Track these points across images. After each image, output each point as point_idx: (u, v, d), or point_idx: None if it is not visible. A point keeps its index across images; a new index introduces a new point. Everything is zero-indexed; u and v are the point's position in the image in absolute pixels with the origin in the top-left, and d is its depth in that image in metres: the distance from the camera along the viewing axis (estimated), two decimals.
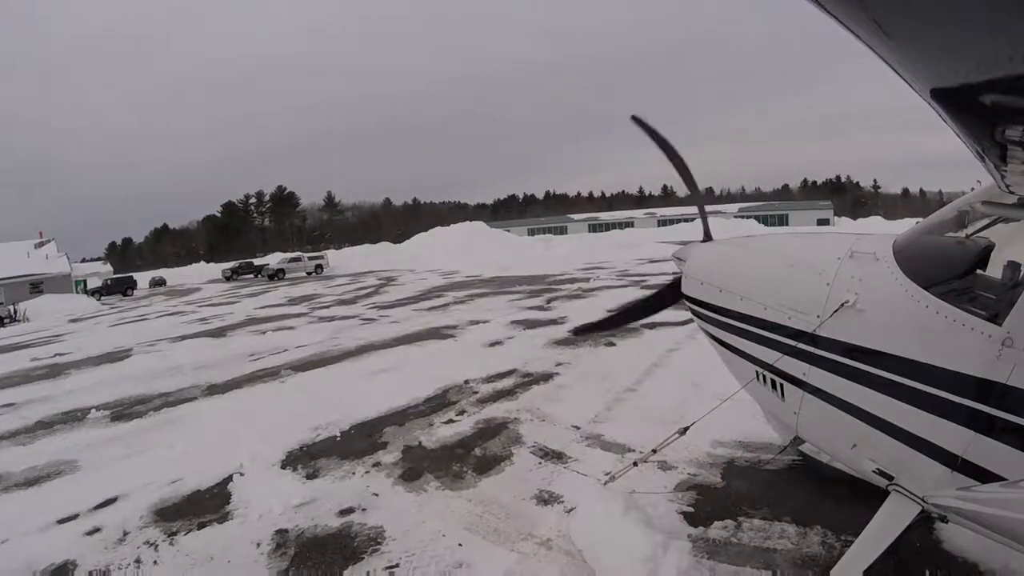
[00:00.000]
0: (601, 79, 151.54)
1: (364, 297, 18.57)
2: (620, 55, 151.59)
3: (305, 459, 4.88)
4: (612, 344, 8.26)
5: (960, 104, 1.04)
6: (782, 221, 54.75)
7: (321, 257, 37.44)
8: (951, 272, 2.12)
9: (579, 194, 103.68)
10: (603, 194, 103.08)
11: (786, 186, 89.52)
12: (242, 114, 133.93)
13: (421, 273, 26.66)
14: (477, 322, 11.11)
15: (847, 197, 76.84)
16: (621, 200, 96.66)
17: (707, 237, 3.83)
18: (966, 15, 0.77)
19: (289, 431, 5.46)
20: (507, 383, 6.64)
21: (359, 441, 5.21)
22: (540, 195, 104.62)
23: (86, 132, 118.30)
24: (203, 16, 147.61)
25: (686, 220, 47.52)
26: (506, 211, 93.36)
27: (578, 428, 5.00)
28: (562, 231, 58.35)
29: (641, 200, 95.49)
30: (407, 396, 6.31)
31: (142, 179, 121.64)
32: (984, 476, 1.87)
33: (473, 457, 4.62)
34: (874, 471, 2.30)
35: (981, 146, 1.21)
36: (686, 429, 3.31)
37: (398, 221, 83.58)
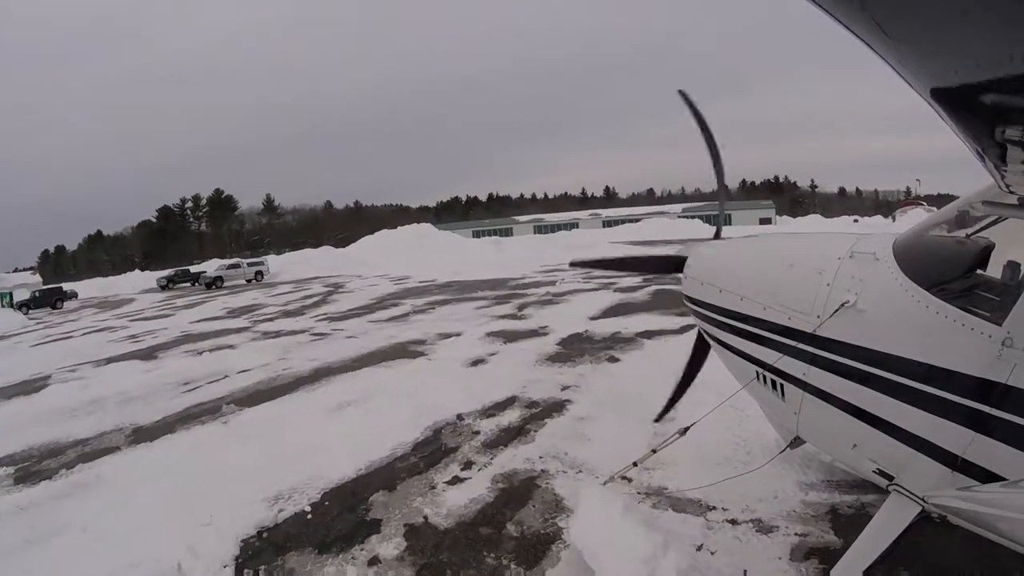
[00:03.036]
0: (545, 84, 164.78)
1: (312, 307, 18.12)
2: (565, 62, 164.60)
3: (268, 552, 3.83)
4: (616, 360, 8.04)
5: (960, 104, 1.12)
6: (726, 220, 55.43)
7: (261, 263, 37.33)
8: (951, 272, 2.28)
9: (522, 196, 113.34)
10: (546, 196, 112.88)
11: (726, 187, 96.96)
12: (179, 113, 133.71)
13: (370, 279, 26.73)
14: (448, 335, 10.83)
15: (785, 197, 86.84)
16: (564, 202, 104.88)
17: (717, 235, 4.16)
18: (966, 15, 0.82)
19: (240, 503, 4.42)
20: (512, 417, 5.96)
21: (339, 518, 4.16)
22: (483, 197, 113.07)
23: (13, 131, 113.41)
24: (132, 12, 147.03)
25: (630, 220, 54.42)
26: (449, 213, 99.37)
27: (629, 480, 4.26)
28: (507, 233, 61.92)
29: (584, 201, 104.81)
30: (389, 441, 5.44)
31: (76, 182, 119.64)
32: (984, 476, 2.00)
33: (509, 540, 3.67)
34: (874, 471, 2.48)
35: (981, 146, 1.30)
36: (686, 429, 3.64)
37: (340, 225, 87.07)
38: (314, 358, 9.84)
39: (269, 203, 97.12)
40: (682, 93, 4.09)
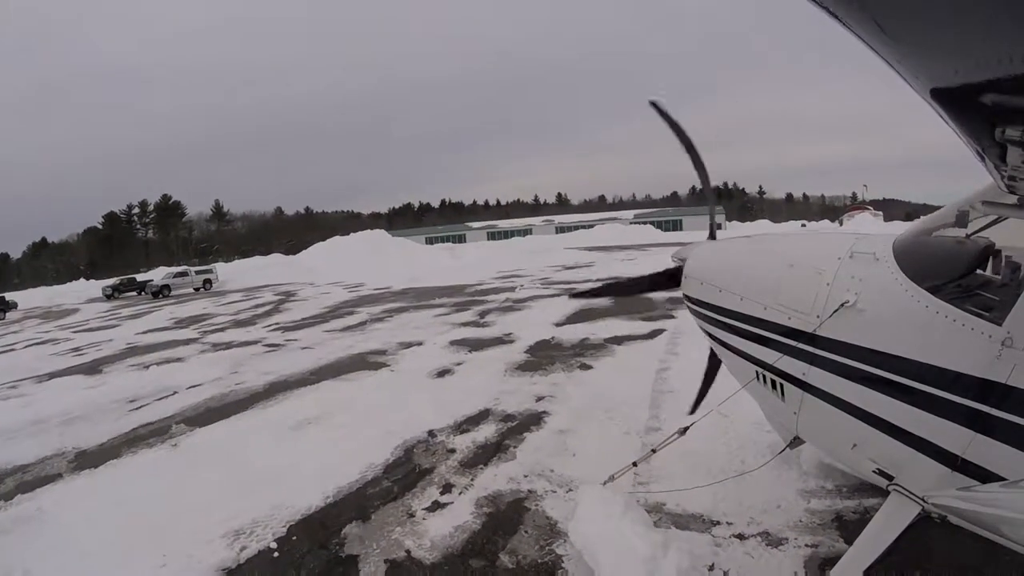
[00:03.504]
0: (497, 90, 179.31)
1: (263, 316, 18.21)
2: (517, 69, 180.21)
3: None
4: (588, 367, 8.24)
5: (960, 104, 1.17)
6: (676, 226, 67.20)
7: (210, 271, 38.42)
8: (951, 272, 2.42)
9: (475, 202, 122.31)
10: (499, 202, 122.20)
11: (675, 193, 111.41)
12: (128, 116, 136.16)
13: (322, 287, 27.45)
14: (409, 344, 10.96)
15: (734, 203, 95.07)
16: (517, 208, 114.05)
17: (712, 236, 4.37)
18: (966, 15, 0.86)
19: (197, 541, 4.14)
20: (488, 432, 5.92)
21: (310, 556, 3.92)
22: (435, 203, 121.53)
23: None
24: (82, 10, 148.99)
25: (584, 226, 60.30)
26: (401, 220, 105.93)
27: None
28: (461, 239, 65.97)
29: (537, 208, 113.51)
30: (357, 463, 5.27)
31: (19, 188, 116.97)
32: (984, 476, 2.12)
33: (505, 574, 3.55)
34: (874, 471, 2.60)
35: (981, 146, 1.37)
36: (686, 429, 3.79)
37: (291, 231, 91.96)
38: (268, 371, 9.79)
39: (218, 209, 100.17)
40: (654, 104, 4.32)
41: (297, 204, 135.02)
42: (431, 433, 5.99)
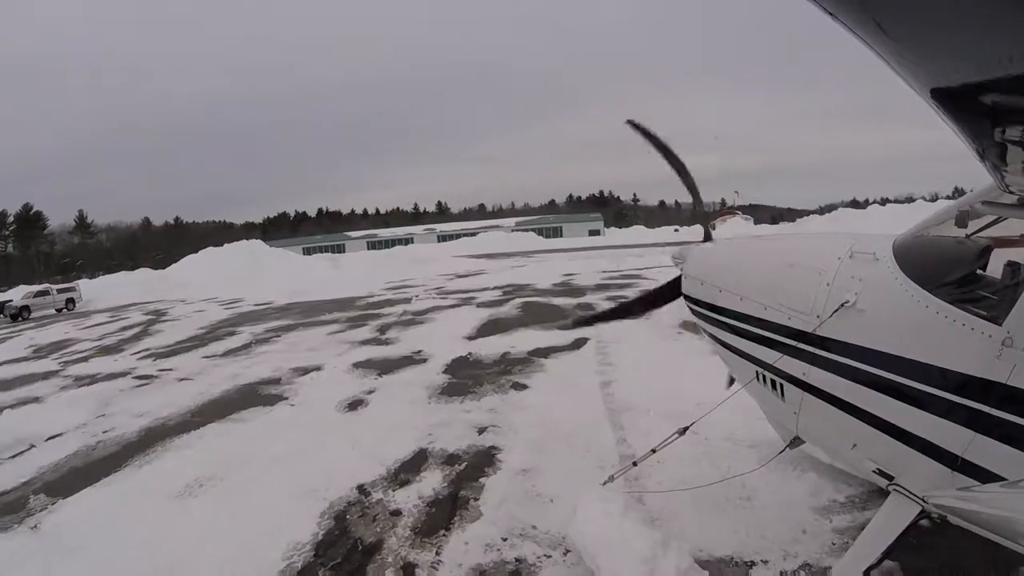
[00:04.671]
0: (377, 100, 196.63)
1: (132, 341, 17.63)
2: (397, 78, 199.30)
3: None
4: (523, 386, 8.30)
5: (960, 104, 1.35)
6: (557, 233, 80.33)
7: (73, 289, 39.26)
8: (951, 272, 2.74)
9: (353, 211, 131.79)
10: (378, 211, 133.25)
11: (553, 201, 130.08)
12: None
13: (196, 303, 27.68)
14: (306, 370, 10.68)
15: (610, 210, 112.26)
16: (397, 217, 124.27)
17: (707, 238, 4.81)
18: (966, 15, 1.00)
19: None
20: (434, 481, 5.48)
21: None
22: (312, 213, 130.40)
23: None
24: None
25: (467, 235, 68.47)
26: (277, 230, 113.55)
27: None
28: (340, 249, 69.90)
29: (417, 216, 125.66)
30: (276, 545, 4.53)
31: None
32: (984, 476, 2.39)
33: None
34: (874, 471, 2.93)
35: (981, 146, 1.56)
36: (685, 429, 4.22)
37: (159, 244, 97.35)
38: (142, 412, 9.12)
39: (82, 220, 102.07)
40: (631, 123, 4.82)
41: (166, 214, 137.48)
42: (362, 490, 5.39)
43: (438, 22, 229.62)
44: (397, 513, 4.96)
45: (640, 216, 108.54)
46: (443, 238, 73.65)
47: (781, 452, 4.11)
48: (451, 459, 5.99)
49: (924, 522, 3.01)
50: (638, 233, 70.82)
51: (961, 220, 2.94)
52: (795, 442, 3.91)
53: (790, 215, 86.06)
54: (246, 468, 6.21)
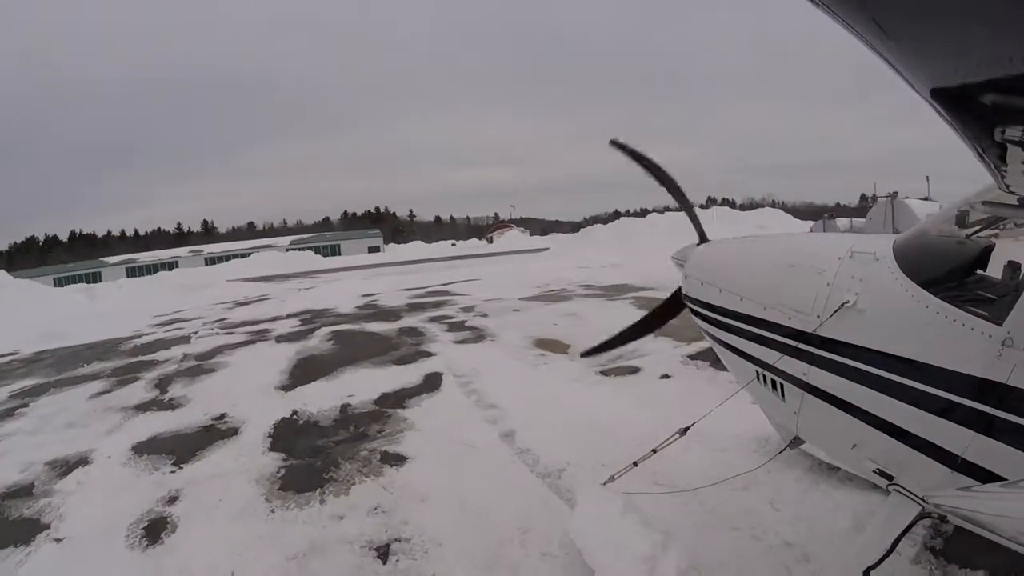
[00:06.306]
0: (131, 110, 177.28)
1: None
2: (154, 84, 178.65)
3: None
4: (397, 458, 6.01)
5: (960, 104, 1.36)
6: (335, 251, 77.94)
7: None
8: (951, 272, 2.77)
9: (110, 233, 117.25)
10: (137, 232, 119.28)
11: (327, 218, 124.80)
12: None
13: None
14: (67, 465, 6.87)
15: (387, 225, 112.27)
16: (158, 238, 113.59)
17: (702, 240, 4.82)
18: (967, 15, 1.01)
19: None
20: None
21: None
22: (64, 236, 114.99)
23: None
24: None
25: (238, 256, 64.97)
26: (24, 258, 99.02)
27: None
28: (96, 278, 64.39)
29: (181, 237, 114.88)
30: None
31: None
32: (984, 476, 2.40)
33: None
34: (874, 471, 2.94)
35: (981, 146, 1.56)
36: (687, 429, 4.29)
37: None
38: None
39: None
40: (614, 143, 4.93)
41: None
42: None
43: (192, 23, 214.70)
44: None
45: (417, 231, 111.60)
46: (212, 260, 68.78)
47: (781, 452, 4.15)
48: None
49: (924, 522, 3.07)
50: (418, 248, 72.62)
51: (961, 220, 2.96)
52: (795, 442, 3.96)
53: (558, 227, 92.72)
54: None
